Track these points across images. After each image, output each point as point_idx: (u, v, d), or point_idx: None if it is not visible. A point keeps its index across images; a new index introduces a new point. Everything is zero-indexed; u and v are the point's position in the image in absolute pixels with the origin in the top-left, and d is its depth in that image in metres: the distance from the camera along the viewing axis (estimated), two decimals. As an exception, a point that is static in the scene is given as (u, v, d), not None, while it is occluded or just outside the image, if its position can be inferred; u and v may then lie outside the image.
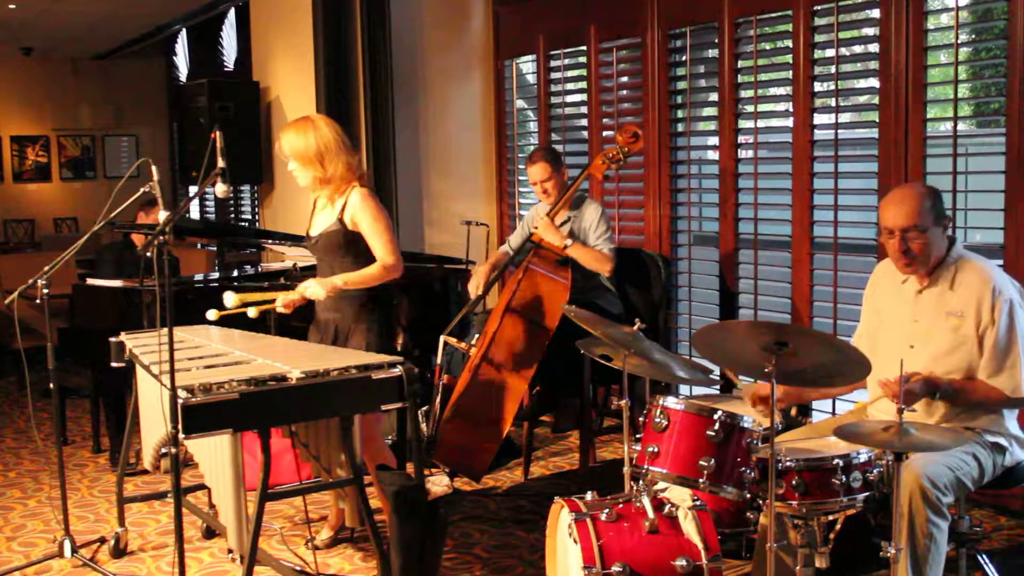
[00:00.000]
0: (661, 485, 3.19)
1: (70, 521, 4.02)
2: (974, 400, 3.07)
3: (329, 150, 3.70)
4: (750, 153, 5.07)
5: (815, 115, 4.71)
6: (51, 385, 3.93)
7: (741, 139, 5.10)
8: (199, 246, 8.35)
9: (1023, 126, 3.98)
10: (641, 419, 3.26)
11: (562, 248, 4.67)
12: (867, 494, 2.87)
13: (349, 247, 3.74)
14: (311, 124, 3.75)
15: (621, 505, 3.10)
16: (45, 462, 5.30)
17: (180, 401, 2.84)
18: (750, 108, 5.02)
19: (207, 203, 10.46)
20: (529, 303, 4.44)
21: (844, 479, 2.84)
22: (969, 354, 3.08)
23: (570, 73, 6.20)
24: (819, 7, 4.62)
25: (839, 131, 4.63)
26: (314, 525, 4.17)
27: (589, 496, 3.15)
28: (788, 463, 2.87)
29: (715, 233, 5.26)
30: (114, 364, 4.04)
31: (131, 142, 11.71)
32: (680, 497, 3.22)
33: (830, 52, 4.62)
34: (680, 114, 5.44)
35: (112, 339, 4.02)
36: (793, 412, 3.58)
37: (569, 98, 6.27)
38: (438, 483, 4.51)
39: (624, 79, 5.78)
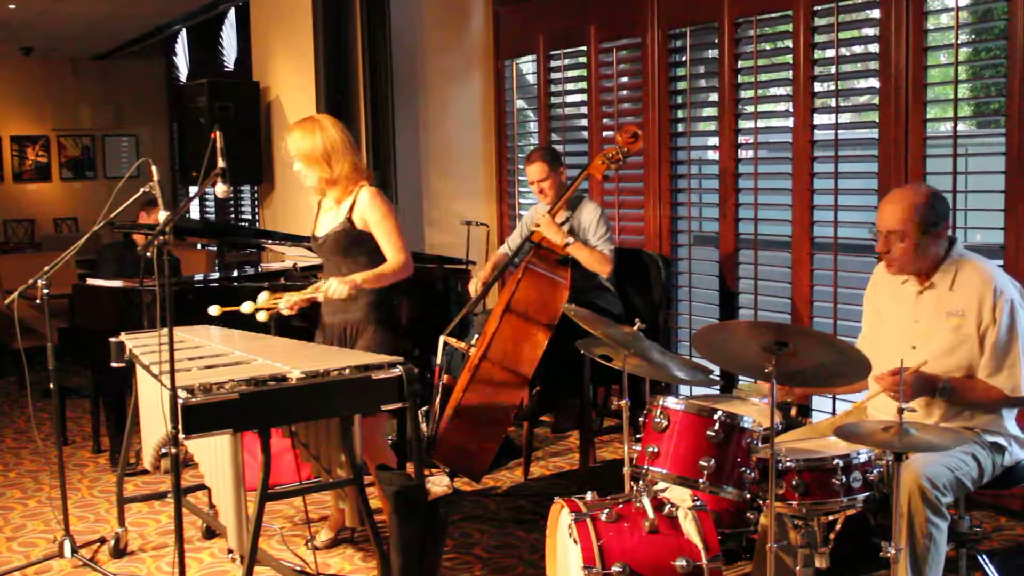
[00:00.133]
0: (661, 485, 3.18)
1: (70, 521, 4.02)
2: (973, 399, 3.08)
3: (336, 150, 3.70)
4: (750, 153, 5.07)
5: (815, 115, 4.71)
6: (51, 385, 3.92)
7: (741, 139, 5.10)
8: (199, 246, 8.35)
9: (1023, 126, 3.98)
10: (641, 419, 3.25)
11: (563, 246, 4.67)
12: (867, 494, 2.87)
13: (357, 247, 3.73)
14: (317, 124, 3.74)
15: (621, 505, 3.10)
16: (45, 462, 5.30)
17: (180, 401, 2.84)
18: (750, 108, 5.02)
19: (207, 203, 10.46)
20: (529, 302, 4.44)
21: (844, 479, 2.84)
22: (969, 354, 3.08)
23: (570, 73, 6.20)
24: (819, 7, 4.62)
25: (839, 131, 4.63)
26: (314, 525, 4.17)
27: (589, 496, 3.15)
28: (788, 463, 2.87)
29: (715, 233, 5.25)
30: (114, 364, 4.04)
31: (131, 142, 11.70)
32: (680, 497, 3.22)
33: (830, 52, 4.62)
34: (680, 114, 5.44)
35: (112, 339, 4.02)
36: (793, 412, 3.58)
37: (569, 98, 6.27)
38: (438, 483, 4.50)
39: (624, 79, 5.78)
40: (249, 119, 7.36)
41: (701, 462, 3.00)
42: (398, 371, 3.20)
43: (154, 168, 3.49)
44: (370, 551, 3.91)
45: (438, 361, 4.55)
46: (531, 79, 6.54)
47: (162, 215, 3.14)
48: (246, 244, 7.85)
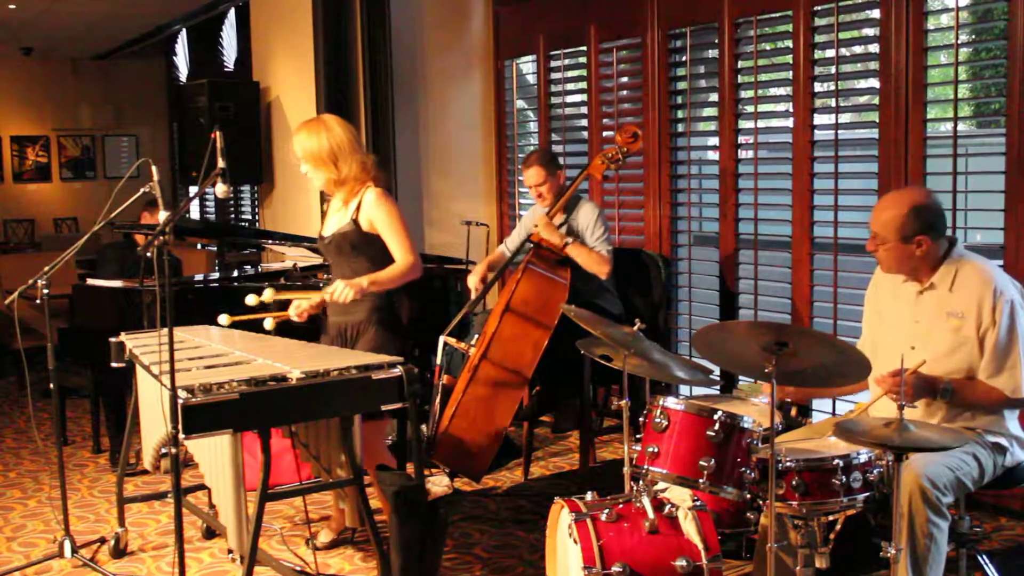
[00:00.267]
0: (661, 485, 3.18)
1: (70, 521, 4.02)
2: (973, 400, 3.08)
3: (343, 151, 3.67)
4: (750, 153, 5.07)
5: (815, 115, 4.71)
6: (51, 385, 3.92)
7: (741, 139, 5.10)
8: (199, 246, 8.35)
9: (1023, 126, 3.97)
10: (641, 419, 3.25)
11: (562, 247, 4.67)
12: (867, 494, 2.87)
13: (364, 248, 3.71)
14: (323, 125, 3.71)
15: (621, 505, 3.10)
16: (45, 462, 5.30)
17: (180, 401, 2.84)
18: (750, 108, 5.02)
19: (207, 203, 10.46)
20: (528, 302, 4.44)
21: (844, 479, 2.84)
22: (970, 355, 3.08)
23: (570, 73, 6.20)
24: (819, 7, 4.62)
25: (839, 131, 4.63)
26: (314, 525, 4.17)
27: (589, 496, 3.15)
28: (788, 463, 2.87)
29: (715, 233, 5.25)
30: (114, 364, 4.04)
31: (131, 142, 11.70)
32: (680, 497, 3.22)
33: (830, 52, 4.62)
34: (680, 114, 5.44)
35: (112, 339, 4.02)
36: (793, 412, 3.58)
37: (569, 98, 6.27)
38: (438, 483, 4.50)
39: (624, 79, 5.78)
40: (249, 119, 7.36)
41: (701, 462, 3.00)
42: (398, 371, 3.20)
43: (154, 168, 3.49)
44: (370, 551, 3.91)
45: (438, 361, 4.55)
46: (531, 79, 6.54)
47: (162, 215, 3.14)
48: (246, 244, 7.85)
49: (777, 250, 5.04)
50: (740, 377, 4.79)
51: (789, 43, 4.81)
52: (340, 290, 3.63)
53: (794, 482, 2.86)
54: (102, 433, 5.48)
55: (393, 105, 6.33)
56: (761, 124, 5.09)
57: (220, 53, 9.54)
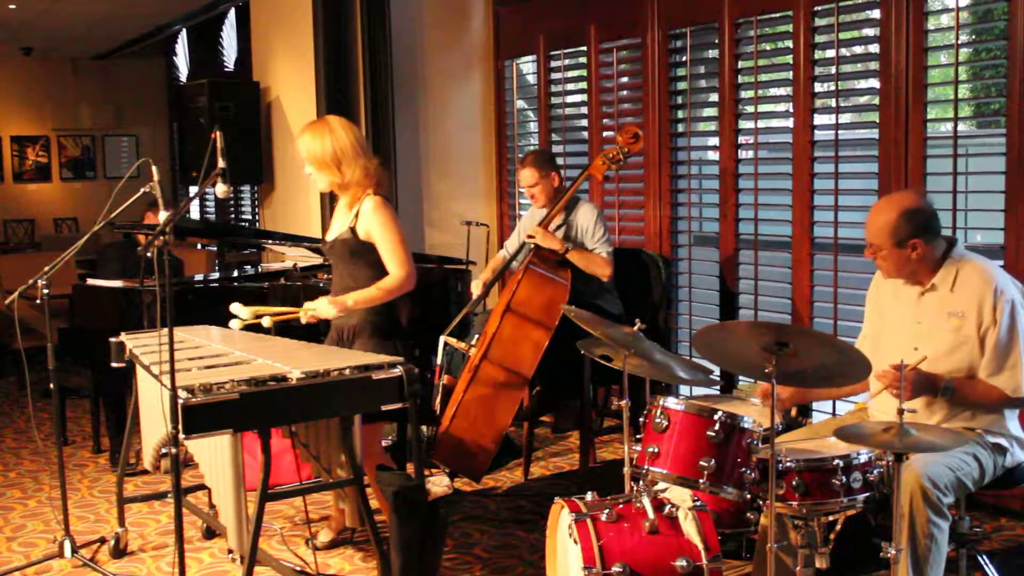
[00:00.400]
0: (661, 485, 3.18)
1: (70, 521, 4.02)
2: (974, 398, 3.08)
3: (346, 155, 3.65)
4: (750, 153, 5.07)
5: (815, 115, 4.71)
6: (51, 385, 3.92)
7: (741, 139, 5.10)
8: (199, 246, 8.35)
9: (1023, 127, 3.97)
10: (641, 419, 3.25)
11: (563, 253, 4.66)
12: (867, 495, 2.87)
13: (363, 255, 3.69)
14: (327, 128, 3.68)
15: (621, 505, 3.10)
16: (45, 462, 5.30)
17: (180, 401, 2.84)
18: (750, 108, 5.02)
19: (207, 203, 10.46)
20: (529, 303, 4.44)
21: (844, 480, 2.84)
22: (970, 354, 3.08)
23: (570, 73, 6.20)
24: (819, 7, 4.62)
25: (839, 131, 4.63)
26: (314, 525, 4.17)
27: (589, 496, 3.15)
28: (788, 464, 2.87)
29: (715, 233, 5.25)
30: (114, 364, 4.04)
31: (131, 142, 11.70)
32: (680, 497, 3.22)
33: (830, 52, 4.62)
34: (680, 114, 5.44)
35: (112, 339, 4.02)
36: (793, 413, 3.58)
37: (569, 98, 6.27)
38: (438, 483, 4.50)
39: (624, 79, 5.78)
40: (249, 119, 7.35)
41: (701, 462, 3.00)
42: (398, 371, 3.20)
43: (154, 168, 3.49)
44: (370, 551, 3.91)
45: (438, 361, 4.55)
46: (531, 79, 6.54)
47: (162, 215, 3.14)
48: (246, 244, 7.85)
49: (777, 250, 5.04)
50: (740, 377, 4.80)
51: (789, 43, 4.81)
52: (323, 308, 3.63)
53: (794, 482, 2.86)
54: (102, 433, 5.48)
55: (393, 105, 6.33)
56: (761, 124, 5.09)
57: (220, 53, 9.53)
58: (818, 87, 4.72)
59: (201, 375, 3.09)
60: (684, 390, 5.25)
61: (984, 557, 3.27)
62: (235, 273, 5.86)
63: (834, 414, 4.58)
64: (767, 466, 2.84)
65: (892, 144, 4.38)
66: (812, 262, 4.77)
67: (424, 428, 4.48)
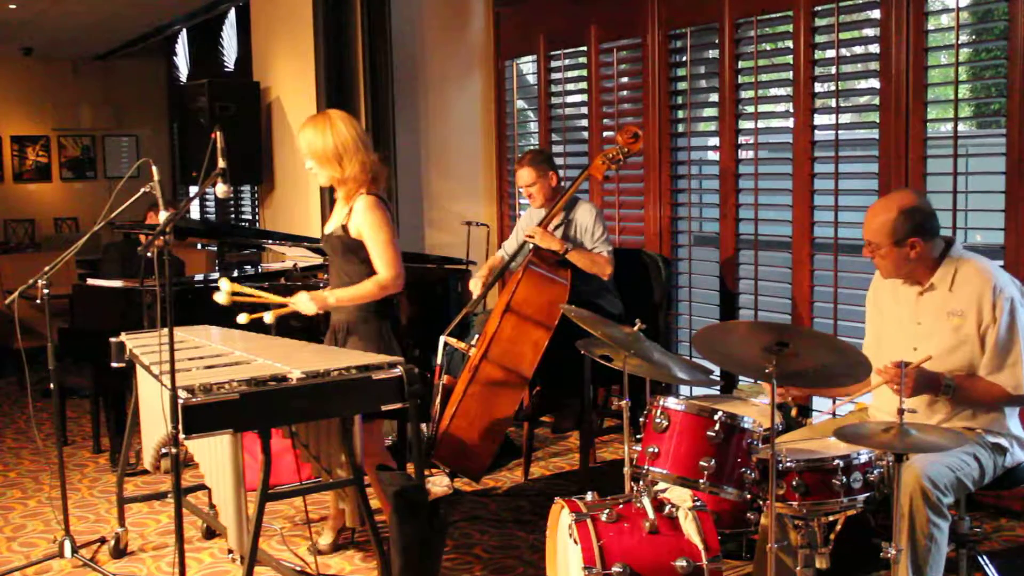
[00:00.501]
0: (661, 485, 3.19)
1: (70, 521, 4.02)
2: (975, 396, 3.08)
3: (347, 149, 3.64)
4: (750, 154, 5.07)
5: (815, 116, 4.71)
6: (51, 385, 3.92)
7: (741, 140, 5.10)
8: (199, 246, 8.34)
9: (1023, 127, 3.97)
10: (641, 419, 3.25)
11: (562, 253, 4.65)
12: (867, 495, 2.87)
13: (355, 252, 3.68)
14: (329, 122, 3.68)
15: (621, 506, 3.10)
16: (45, 462, 5.30)
17: (180, 401, 2.84)
18: (750, 109, 5.02)
19: (207, 203, 10.46)
20: (529, 303, 4.44)
21: (844, 480, 2.84)
22: (971, 353, 3.08)
23: (570, 74, 6.20)
24: (819, 8, 4.62)
25: (839, 132, 4.63)
26: (315, 526, 4.17)
27: (589, 496, 3.15)
28: (788, 464, 2.87)
29: (715, 234, 5.25)
30: (114, 364, 4.04)
31: (131, 142, 11.69)
32: (680, 498, 3.22)
33: (830, 53, 4.62)
34: (680, 115, 5.44)
35: (112, 339, 4.02)
36: (793, 413, 3.58)
37: (569, 99, 6.27)
38: (438, 484, 4.50)
39: (624, 80, 5.78)
40: (249, 119, 7.35)
41: (701, 462, 3.00)
42: (398, 371, 3.20)
43: (154, 168, 3.49)
44: (370, 551, 3.91)
45: (438, 361, 4.55)
46: (531, 79, 6.54)
47: (162, 215, 3.14)
48: (246, 244, 7.85)
49: (777, 250, 5.04)
50: (740, 377, 4.79)
51: (789, 43, 4.81)
52: (302, 303, 3.63)
53: (794, 482, 2.86)
54: (102, 433, 5.48)
55: (393, 105, 6.33)
56: (761, 124, 5.09)
57: (220, 53, 9.53)
58: (818, 87, 4.72)
59: (201, 375, 3.09)
60: (684, 390, 5.25)
61: (984, 557, 3.27)
62: (235, 273, 5.86)
63: (834, 414, 4.57)
64: (767, 466, 2.84)
65: (892, 144, 4.38)
66: (812, 262, 4.77)
67: (424, 428, 4.48)
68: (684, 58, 5.40)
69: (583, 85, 6.04)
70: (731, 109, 5.07)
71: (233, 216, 9.50)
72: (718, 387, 4.96)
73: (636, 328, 3.35)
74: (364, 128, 6.21)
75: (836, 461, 2.84)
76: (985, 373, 3.07)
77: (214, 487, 3.36)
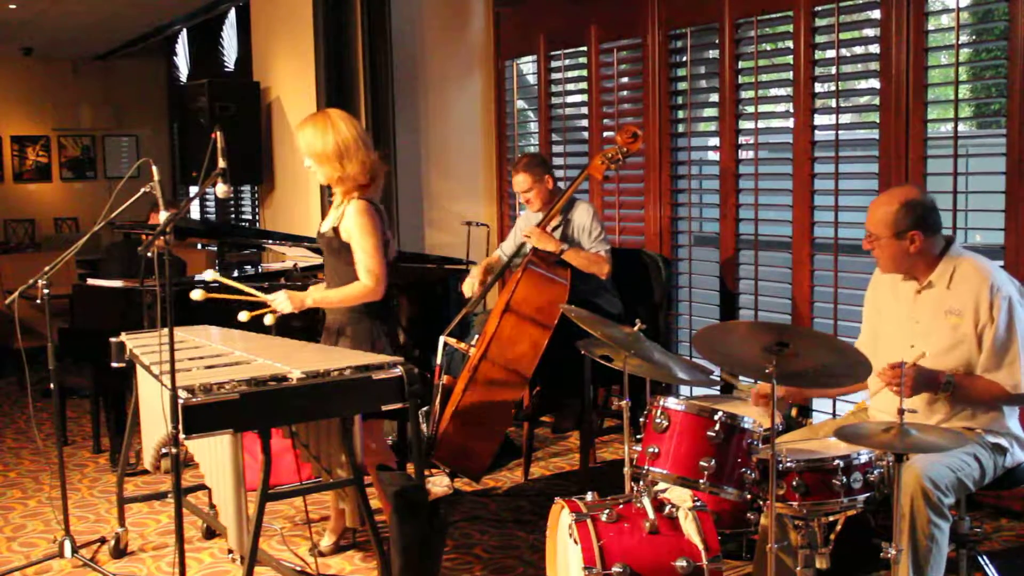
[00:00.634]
0: (661, 486, 3.19)
1: (70, 521, 4.02)
2: (975, 395, 3.08)
3: (348, 148, 3.64)
4: (751, 154, 5.07)
5: (816, 116, 4.71)
6: (51, 385, 3.92)
7: (742, 140, 5.10)
8: (199, 246, 8.34)
9: (1023, 127, 3.97)
10: (641, 420, 3.25)
11: (558, 254, 4.65)
12: (868, 495, 2.87)
13: (342, 255, 3.70)
14: (329, 122, 3.67)
15: (621, 506, 3.10)
16: (45, 462, 5.30)
17: (181, 401, 2.84)
18: (751, 109, 5.02)
19: (207, 203, 10.46)
20: (528, 302, 4.43)
21: (845, 480, 2.84)
22: (968, 352, 3.08)
23: (570, 74, 6.20)
24: (820, 8, 4.62)
25: (840, 132, 4.63)
26: (315, 527, 4.17)
27: (589, 497, 3.15)
28: (789, 464, 2.87)
29: (715, 234, 5.25)
30: (114, 364, 4.04)
31: (131, 142, 11.69)
32: (680, 498, 3.22)
33: (831, 53, 4.62)
34: (681, 115, 5.44)
35: (112, 339, 4.02)
36: (794, 413, 3.58)
37: (569, 99, 6.27)
38: (438, 484, 4.50)
39: (625, 80, 5.78)
40: (249, 119, 7.35)
41: (701, 463, 2.99)
42: (398, 371, 3.20)
43: (154, 168, 3.49)
44: (370, 551, 3.90)
45: (438, 361, 4.55)
46: (531, 79, 6.54)
47: (162, 216, 3.14)
48: (246, 244, 7.84)
49: (777, 250, 5.04)
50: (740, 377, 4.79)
51: (790, 43, 4.81)
52: (280, 302, 3.63)
53: (795, 483, 2.86)
54: (102, 433, 5.48)
55: (393, 105, 6.32)
56: (761, 124, 5.09)
57: (220, 53, 9.53)
58: (818, 87, 4.72)
59: (201, 375, 3.09)
60: (684, 390, 5.25)
61: (984, 558, 3.27)
62: (235, 273, 5.86)
63: (834, 414, 4.58)
64: (767, 466, 2.84)
65: (892, 144, 4.38)
66: (812, 262, 4.77)
67: (424, 428, 4.48)
68: (684, 58, 5.40)
69: (583, 85, 6.04)
70: (731, 109, 5.07)
71: (233, 216, 9.50)
72: (718, 387, 4.95)
73: (636, 328, 3.35)
74: (364, 128, 6.24)
75: (836, 461, 2.84)
76: (983, 371, 3.07)
77: (214, 487, 3.36)
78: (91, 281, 5.64)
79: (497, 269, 5.03)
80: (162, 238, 3.01)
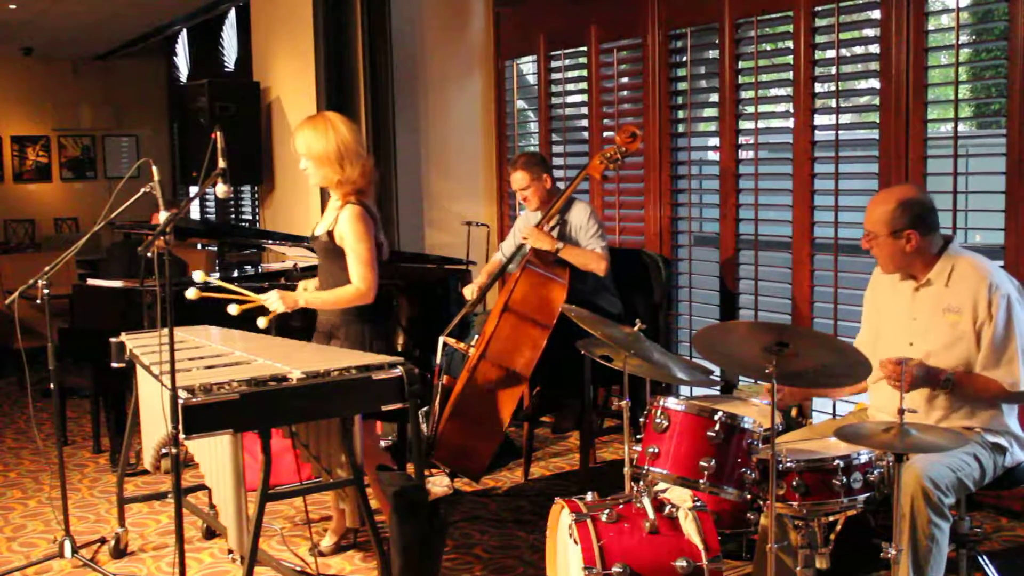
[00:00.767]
0: (661, 486, 3.19)
1: (70, 521, 4.02)
2: (974, 393, 3.08)
3: (349, 151, 3.65)
4: (751, 154, 5.07)
5: (816, 116, 4.71)
6: (51, 385, 3.92)
7: (741, 140, 5.10)
8: (199, 246, 8.34)
9: (1023, 127, 3.97)
10: (642, 420, 3.25)
11: (555, 252, 4.65)
12: (868, 495, 2.87)
13: (335, 259, 3.71)
14: (329, 124, 3.68)
15: (621, 506, 3.10)
16: (45, 462, 5.30)
17: (181, 401, 2.84)
18: (751, 109, 5.02)
19: (207, 203, 10.46)
20: (527, 302, 4.43)
21: (845, 480, 2.84)
22: (967, 350, 3.09)
23: (570, 74, 6.20)
24: (820, 8, 4.62)
25: (840, 132, 4.63)
26: (316, 527, 4.17)
27: (589, 497, 3.15)
28: (789, 464, 2.87)
29: (715, 234, 5.25)
30: (114, 364, 4.04)
31: (131, 142, 11.69)
32: (680, 498, 3.22)
33: (831, 53, 4.62)
34: (681, 115, 5.44)
35: (112, 339, 4.02)
36: (794, 413, 3.58)
37: (569, 99, 6.27)
38: (438, 484, 4.51)
39: (625, 80, 5.78)
40: (249, 119, 7.35)
41: (702, 463, 2.99)
42: (398, 371, 3.20)
43: (154, 168, 3.49)
44: (370, 551, 3.90)
45: (438, 361, 4.55)
46: (531, 79, 6.54)
47: (162, 216, 3.14)
48: (246, 244, 7.85)
49: (777, 250, 5.04)
50: (739, 377, 4.79)
51: (790, 43, 4.81)
52: (272, 301, 3.63)
53: (795, 483, 2.86)
54: (102, 433, 5.48)
55: (393, 105, 6.33)
56: (761, 124, 5.09)
57: (220, 53, 9.53)
58: (818, 87, 4.72)
59: (201, 375, 3.09)
60: (684, 390, 5.25)
61: (984, 558, 3.27)
62: (235, 273, 5.86)
63: (834, 415, 4.58)
64: (767, 466, 2.84)
65: (892, 144, 4.38)
66: (812, 262, 4.77)
67: (424, 428, 4.48)
68: (684, 58, 5.40)
69: (583, 85, 6.04)
70: (731, 109, 5.07)
71: (233, 216, 9.50)
72: (718, 387, 4.95)
73: (636, 328, 3.35)
74: (364, 130, 6.25)
75: (836, 461, 2.84)
76: (981, 369, 3.08)
77: (214, 487, 3.36)
78: (91, 281, 5.64)
79: (497, 272, 5.02)
80: (162, 238, 3.01)
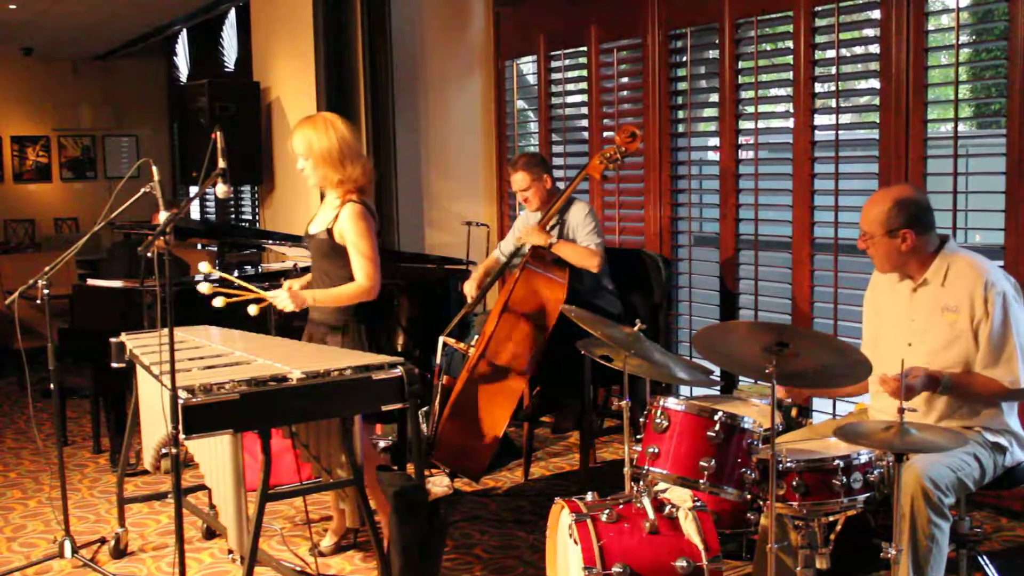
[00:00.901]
0: (661, 486, 3.18)
1: (70, 521, 4.02)
2: (973, 393, 3.08)
3: (351, 149, 3.65)
4: (751, 154, 5.07)
5: (816, 116, 4.71)
6: (51, 385, 3.92)
7: (742, 140, 5.10)
8: (199, 246, 8.34)
9: (1023, 127, 3.97)
10: (642, 420, 3.25)
11: (548, 247, 4.64)
12: (868, 495, 2.87)
13: (335, 258, 3.70)
14: (329, 124, 3.68)
15: (621, 506, 3.10)
16: (45, 462, 5.30)
17: (181, 401, 2.84)
18: (751, 109, 5.02)
19: (207, 203, 10.46)
20: (526, 302, 4.43)
21: (845, 480, 2.84)
22: (965, 349, 3.09)
23: (570, 74, 6.20)
24: (820, 8, 4.62)
25: (840, 132, 4.63)
26: (316, 527, 4.17)
27: (589, 497, 3.15)
28: (789, 464, 2.87)
29: (715, 234, 5.25)
30: (114, 364, 4.04)
31: (131, 142, 11.69)
32: (680, 498, 3.22)
33: (831, 53, 4.62)
34: (681, 115, 5.44)
35: (112, 339, 4.02)
36: (794, 413, 3.58)
37: (569, 99, 6.27)
38: (438, 484, 4.50)
39: (625, 80, 5.78)
40: (249, 119, 7.35)
41: (702, 463, 2.99)
42: (398, 371, 3.20)
43: (154, 168, 3.49)
44: (370, 551, 3.90)
45: (438, 361, 4.55)
46: (531, 79, 6.54)
47: (161, 216, 3.14)
48: (246, 244, 7.84)
49: (777, 250, 5.04)
50: (740, 377, 4.79)
51: (790, 43, 4.81)
52: (282, 299, 3.62)
53: (795, 483, 2.86)
54: (102, 433, 5.48)
55: (393, 105, 6.33)
56: (762, 124, 5.09)
57: (220, 53, 9.53)
58: (818, 87, 4.72)
59: (201, 375, 3.09)
60: (684, 390, 5.25)
61: (984, 558, 3.27)
62: (235, 273, 5.85)
63: (835, 415, 4.58)
64: (767, 466, 2.84)
65: (892, 144, 4.38)
66: (812, 262, 4.77)
67: (424, 428, 4.48)
68: (684, 58, 5.40)
69: (583, 85, 6.04)
70: (731, 109, 5.07)
71: (233, 216, 9.50)
72: (718, 387, 4.95)
73: (636, 328, 3.35)
74: (364, 130, 6.25)
75: (836, 461, 2.84)
76: (980, 368, 3.08)
77: (214, 487, 3.36)
78: (91, 281, 5.64)
79: (495, 270, 5.02)
80: (162, 238, 3.01)
